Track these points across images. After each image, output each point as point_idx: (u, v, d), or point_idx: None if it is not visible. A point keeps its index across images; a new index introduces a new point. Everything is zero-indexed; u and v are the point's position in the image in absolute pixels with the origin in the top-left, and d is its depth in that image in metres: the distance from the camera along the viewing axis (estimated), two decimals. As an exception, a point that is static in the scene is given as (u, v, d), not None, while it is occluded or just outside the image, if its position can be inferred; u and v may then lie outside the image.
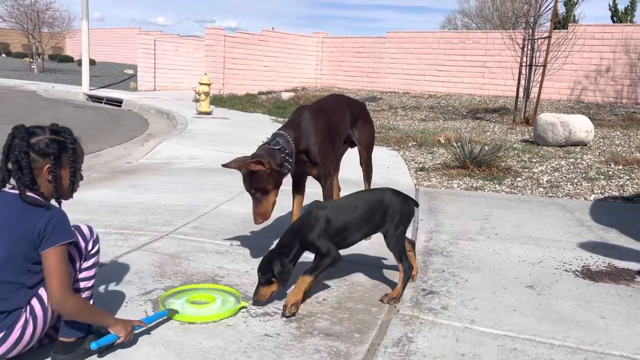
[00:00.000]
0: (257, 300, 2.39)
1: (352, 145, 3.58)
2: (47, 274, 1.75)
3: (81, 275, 1.91)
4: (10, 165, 1.82)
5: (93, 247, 1.96)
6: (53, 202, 1.91)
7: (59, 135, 1.88)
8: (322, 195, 3.13)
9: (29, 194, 1.79)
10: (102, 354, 1.92)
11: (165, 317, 2.21)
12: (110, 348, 1.95)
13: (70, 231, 1.81)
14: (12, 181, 1.84)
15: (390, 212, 2.53)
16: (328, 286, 2.67)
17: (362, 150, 3.57)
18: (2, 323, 1.71)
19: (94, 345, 1.87)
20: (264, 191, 2.78)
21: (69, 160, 1.89)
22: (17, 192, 1.80)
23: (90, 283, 1.95)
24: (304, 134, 2.98)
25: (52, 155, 1.83)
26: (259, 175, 2.74)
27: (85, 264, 1.92)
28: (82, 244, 1.91)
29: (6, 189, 1.84)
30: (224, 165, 2.84)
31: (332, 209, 2.50)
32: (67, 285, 1.76)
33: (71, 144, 1.89)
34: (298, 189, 3.18)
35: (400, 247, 2.54)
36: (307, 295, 2.48)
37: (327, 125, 3.12)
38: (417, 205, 2.68)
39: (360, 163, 3.63)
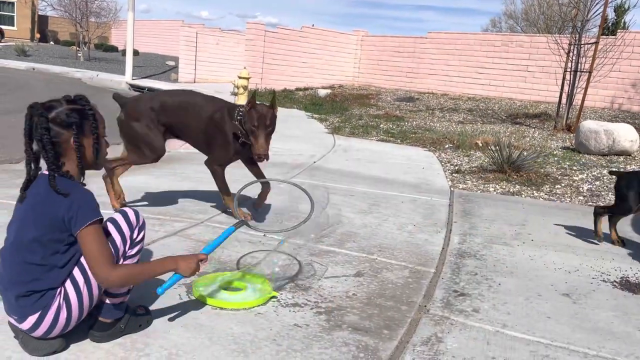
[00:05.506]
0: None
1: None
2: (84, 256, 1.75)
3: (125, 262, 1.92)
4: (35, 147, 1.77)
5: (139, 234, 1.94)
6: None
7: (76, 104, 1.83)
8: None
9: (57, 177, 1.75)
10: (135, 334, 1.98)
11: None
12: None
13: (95, 209, 1.76)
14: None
15: None
16: (359, 282, 2.68)
17: None
18: (38, 302, 1.73)
19: (160, 291, 1.93)
20: None
21: (91, 127, 1.84)
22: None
23: None
24: None
25: (74, 125, 1.78)
26: None
27: (130, 252, 1.92)
28: (128, 232, 1.89)
29: (44, 171, 1.80)
30: None
31: None
32: (104, 262, 1.73)
33: (90, 110, 1.84)
34: None
35: None
36: None
37: None
38: None
39: None
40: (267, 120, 3.13)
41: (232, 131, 3.31)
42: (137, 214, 1.96)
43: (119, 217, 1.91)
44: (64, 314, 1.77)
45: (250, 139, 3.18)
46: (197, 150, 3.64)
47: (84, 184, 1.87)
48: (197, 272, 1.95)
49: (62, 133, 1.77)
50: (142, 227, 1.96)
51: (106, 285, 1.80)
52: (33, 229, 1.73)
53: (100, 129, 1.89)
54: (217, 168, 3.48)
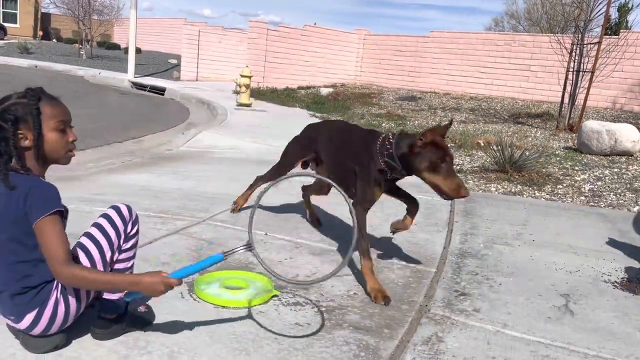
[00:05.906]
0: None
1: None
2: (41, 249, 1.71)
3: (121, 257, 1.92)
4: None
5: (132, 229, 1.95)
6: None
7: (23, 98, 1.76)
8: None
9: (12, 173, 1.72)
10: (137, 331, 1.99)
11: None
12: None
13: (51, 201, 1.71)
14: None
15: None
16: (360, 281, 2.68)
17: None
18: (35, 298, 1.73)
19: (127, 298, 1.85)
20: None
21: (32, 123, 1.75)
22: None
23: (129, 264, 1.98)
24: None
25: (12, 120, 1.72)
26: None
27: (124, 245, 1.93)
28: (122, 227, 1.90)
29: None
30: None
31: None
32: (57, 258, 1.67)
33: (33, 105, 1.75)
34: None
35: None
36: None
37: None
38: None
39: None
40: (451, 154, 2.56)
41: (377, 167, 2.76)
42: (129, 208, 1.96)
43: (112, 213, 1.91)
44: (62, 308, 1.76)
45: (427, 176, 2.59)
46: (197, 150, 3.64)
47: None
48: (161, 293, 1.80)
49: (4, 128, 1.72)
50: (135, 222, 1.97)
51: (59, 281, 1.74)
52: (4, 229, 1.72)
53: (50, 123, 1.78)
54: (359, 211, 2.74)
